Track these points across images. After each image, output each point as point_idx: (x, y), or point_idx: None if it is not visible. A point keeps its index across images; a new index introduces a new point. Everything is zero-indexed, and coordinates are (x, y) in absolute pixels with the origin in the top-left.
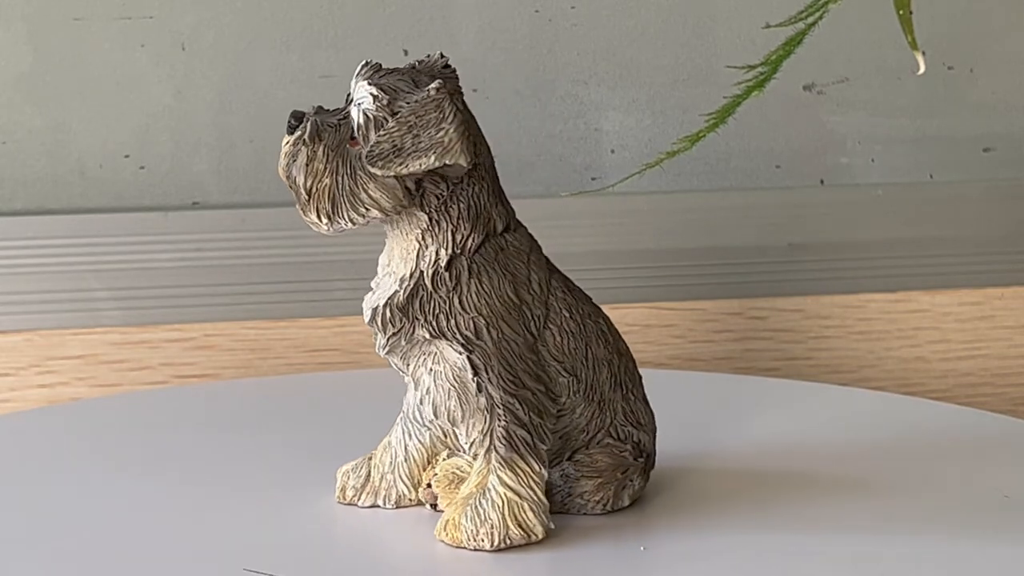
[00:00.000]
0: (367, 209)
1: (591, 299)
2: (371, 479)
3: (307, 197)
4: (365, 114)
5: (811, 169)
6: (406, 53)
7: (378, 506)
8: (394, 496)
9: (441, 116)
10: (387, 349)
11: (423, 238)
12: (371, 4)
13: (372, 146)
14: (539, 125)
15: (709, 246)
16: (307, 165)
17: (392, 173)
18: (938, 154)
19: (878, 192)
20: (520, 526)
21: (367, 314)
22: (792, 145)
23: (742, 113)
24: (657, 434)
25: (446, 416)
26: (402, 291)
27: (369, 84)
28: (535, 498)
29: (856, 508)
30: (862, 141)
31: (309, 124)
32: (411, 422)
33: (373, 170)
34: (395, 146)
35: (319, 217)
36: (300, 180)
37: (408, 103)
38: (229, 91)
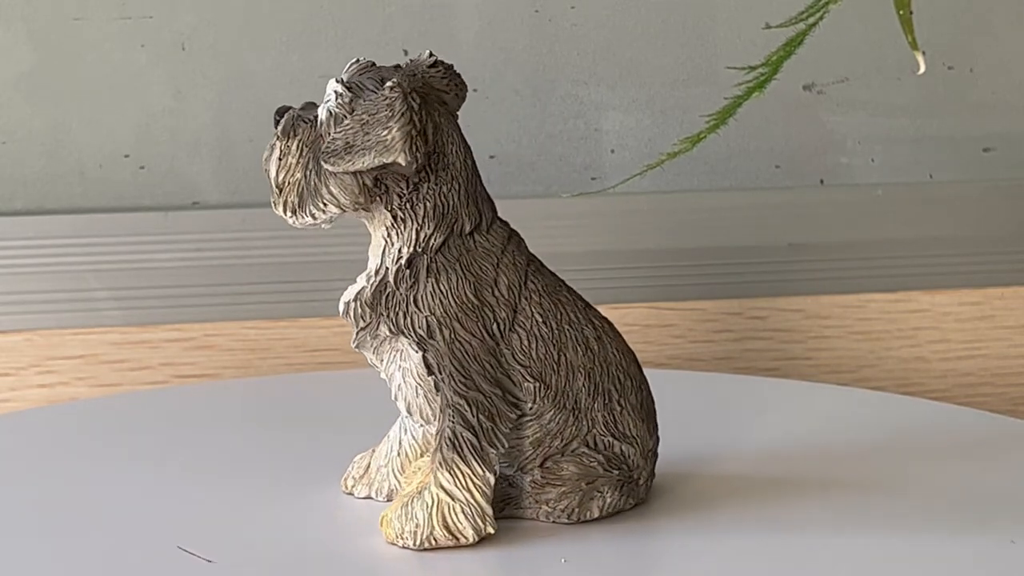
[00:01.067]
0: (325, 204)
1: (585, 305)
2: (369, 471)
3: (278, 191)
4: (328, 111)
5: (811, 169)
6: (406, 53)
7: (371, 498)
8: (386, 489)
9: (390, 115)
10: (356, 343)
11: (389, 235)
12: (371, 4)
13: (328, 143)
14: (539, 125)
15: (709, 246)
16: (280, 159)
17: (341, 170)
18: (938, 154)
19: (878, 192)
20: (447, 528)
21: (340, 307)
22: (792, 145)
23: (742, 113)
24: (657, 447)
25: (418, 413)
26: (369, 287)
27: (336, 81)
28: (470, 501)
29: (856, 508)
30: (862, 141)
31: (285, 119)
32: (407, 417)
33: (326, 166)
34: (347, 143)
35: (285, 211)
36: (272, 174)
37: (366, 101)
38: (229, 91)
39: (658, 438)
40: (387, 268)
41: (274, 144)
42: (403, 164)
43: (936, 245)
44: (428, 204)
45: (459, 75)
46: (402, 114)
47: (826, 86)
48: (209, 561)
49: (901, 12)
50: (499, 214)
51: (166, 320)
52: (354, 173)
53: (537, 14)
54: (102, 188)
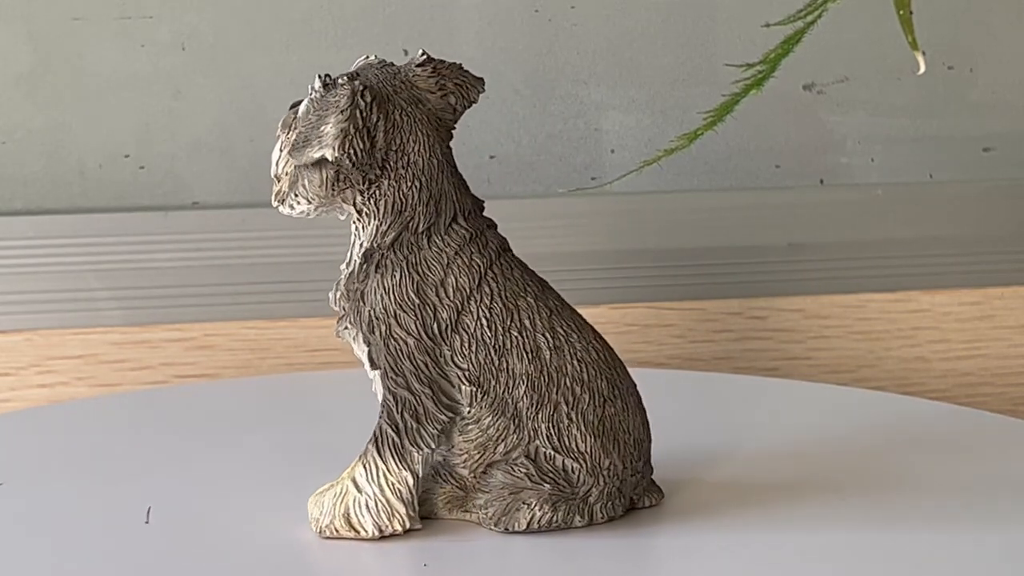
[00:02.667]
0: (296, 196)
1: (550, 313)
2: None
3: (276, 181)
4: (305, 106)
5: (811, 169)
6: (406, 53)
7: None
8: None
9: (335, 110)
10: (336, 332)
11: (356, 229)
12: (371, 4)
13: (296, 136)
14: (539, 125)
15: (709, 246)
16: (280, 151)
17: (296, 162)
18: (938, 154)
19: (878, 192)
20: (348, 520)
21: (329, 297)
22: (792, 145)
23: (742, 113)
24: (610, 469)
25: None
26: (343, 279)
27: (318, 77)
28: (378, 497)
29: (855, 507)
30: (862, 141)
31: (288, 113)
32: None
33: (290, 159)
34: (305, 137)
35: (274, 200)
36: (272, 164)
37: (329, 96)
38: (229, 91)
39: (631, 456)
40: (355, 261)
41: (278, 136)
42: (330, 160)
43: (936, 245)
44: (388, 200)
45: (466, 74)
46: (343, 111)
47: (826, 86)
48: (146, 522)
49: (901, 12)
50: (497, 215)
51: (166, 320)
52: (317, 167)
53: (537, 14)
54: (102, 188)
